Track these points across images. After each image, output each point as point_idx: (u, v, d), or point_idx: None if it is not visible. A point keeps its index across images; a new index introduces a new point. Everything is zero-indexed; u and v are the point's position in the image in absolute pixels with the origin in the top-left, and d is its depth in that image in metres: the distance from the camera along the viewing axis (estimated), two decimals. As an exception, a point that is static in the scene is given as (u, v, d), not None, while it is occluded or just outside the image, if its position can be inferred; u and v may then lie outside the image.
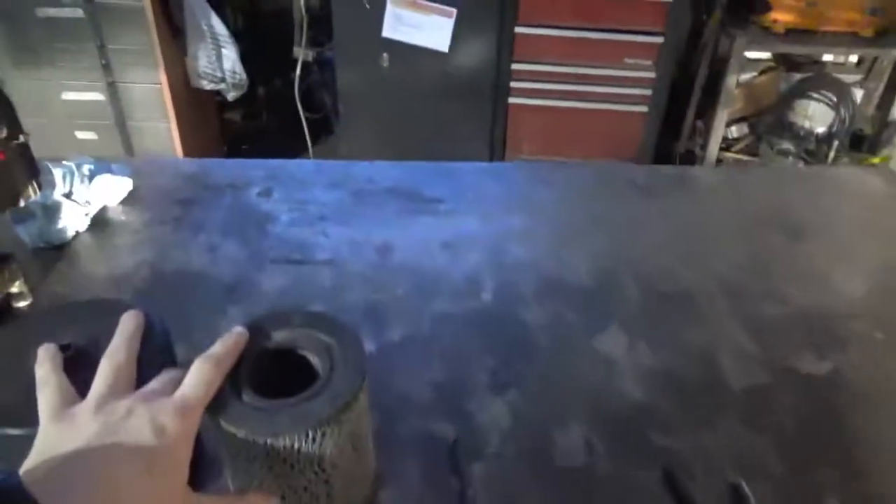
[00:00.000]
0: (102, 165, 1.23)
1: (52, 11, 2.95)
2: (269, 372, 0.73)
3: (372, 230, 1.27)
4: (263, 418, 0.66)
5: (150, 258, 1.16)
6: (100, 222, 1.23)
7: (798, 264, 1.22)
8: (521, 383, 0.97)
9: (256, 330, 0.74)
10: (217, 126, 3.89)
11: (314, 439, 0.67)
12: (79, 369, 0.67)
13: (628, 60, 3.18)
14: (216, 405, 0.66)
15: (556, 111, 3.32)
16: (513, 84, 3.26)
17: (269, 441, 0.65)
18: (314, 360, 0.73)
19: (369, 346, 1.02)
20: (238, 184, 1.38)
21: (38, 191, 1.03)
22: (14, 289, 0.99)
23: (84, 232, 1.20)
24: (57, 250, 1.15)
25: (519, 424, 0.91)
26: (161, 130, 3.30)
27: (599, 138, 3.39)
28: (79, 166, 1.18)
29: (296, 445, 0.66)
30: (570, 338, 1.05)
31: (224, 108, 3.94)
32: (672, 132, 3.66)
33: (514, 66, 3.21)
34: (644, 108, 3.28)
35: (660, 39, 3.10)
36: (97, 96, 3.17)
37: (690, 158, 3.66)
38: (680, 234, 1.30)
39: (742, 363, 1.01)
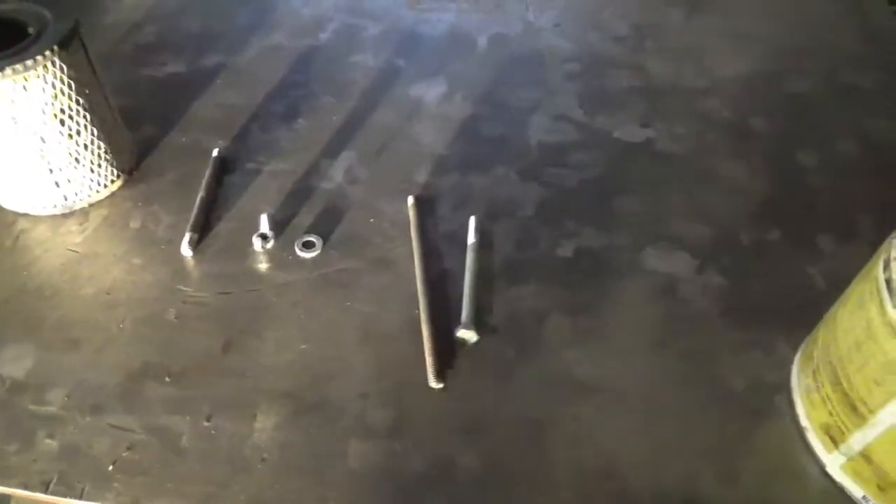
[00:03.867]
0: None
1: None
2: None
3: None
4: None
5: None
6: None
7: (680, 39, 1.10)
8: (315, 115, 0.95)
9: None
10: None
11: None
12: None
13: None
14: None
15: None
16: None
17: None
18: (26, 21, 0.74)
19: (178, 66, 1.02)
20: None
21: None
22: None
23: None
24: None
25: (289, 150, 0.90)
26: None
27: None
28: None
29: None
30: (388, 83, 1.00)
31: None
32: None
33: None
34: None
35: None
36: None
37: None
38: None
39: (554, 123, 0.94)
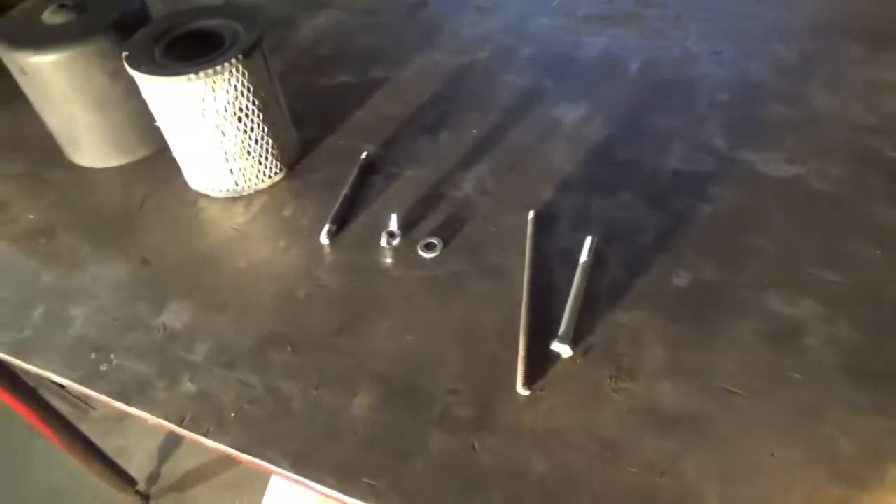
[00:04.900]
0: None
1: None
2: (190, 50, 0.89)
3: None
4: (173, 68, 0.84)
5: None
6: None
7: (853, 71, 1.01)
8: (458, 129, 1.01)
9: (178, 17, 0.92)
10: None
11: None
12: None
13: None
14: (136, 63, 0.86)
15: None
16: None
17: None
18: (224, 34, 0.88)
19: (347, 77, 1.13)
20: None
21: None
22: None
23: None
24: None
25: (429, 158, 0.97)
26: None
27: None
28: None
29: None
30: (532, 103, 1.04)
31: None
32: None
33: None
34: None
35: None
36: None
37: None
38: (732, 25, 1.13)
39: (693, 152, 0.92)
